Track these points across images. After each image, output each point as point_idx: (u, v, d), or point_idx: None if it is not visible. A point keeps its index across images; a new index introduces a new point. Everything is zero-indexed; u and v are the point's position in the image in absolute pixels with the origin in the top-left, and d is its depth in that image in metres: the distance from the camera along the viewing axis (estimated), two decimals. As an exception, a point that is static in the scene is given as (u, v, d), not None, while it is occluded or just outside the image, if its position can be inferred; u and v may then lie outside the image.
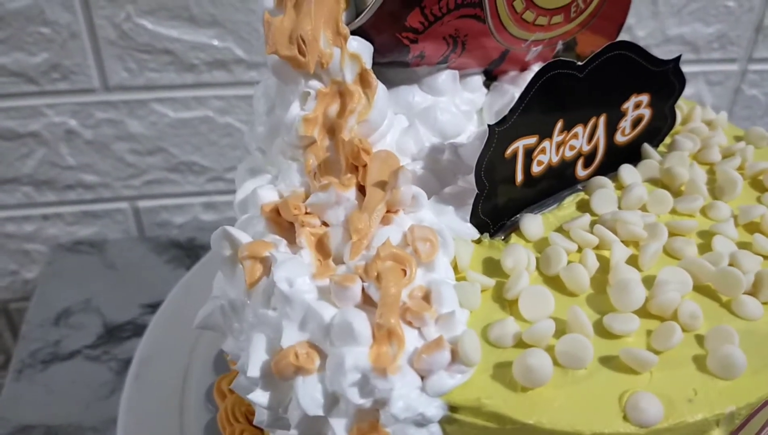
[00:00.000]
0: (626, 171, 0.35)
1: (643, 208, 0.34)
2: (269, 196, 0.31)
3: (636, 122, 0.35)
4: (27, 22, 0.57)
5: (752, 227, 0.33)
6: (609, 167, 0.36)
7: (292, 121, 0.31)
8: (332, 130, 0.31)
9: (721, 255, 0.30)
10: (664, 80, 0.35)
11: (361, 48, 0.30)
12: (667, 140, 0.38)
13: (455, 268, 0.30)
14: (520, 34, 0.34)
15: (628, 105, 0.34)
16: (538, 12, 0.33)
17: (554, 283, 0.30)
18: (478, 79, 0.37)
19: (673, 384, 0.26)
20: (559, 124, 0.32)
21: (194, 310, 0.50)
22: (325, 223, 0.30)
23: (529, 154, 0.32)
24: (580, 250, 0.31)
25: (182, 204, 0.68)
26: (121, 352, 0.54)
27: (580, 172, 0.35)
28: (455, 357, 0.26)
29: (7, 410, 0.50)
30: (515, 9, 0.32)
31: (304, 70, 0.30)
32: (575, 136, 0.33)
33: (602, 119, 0.34)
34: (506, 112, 0.30)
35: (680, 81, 0.36)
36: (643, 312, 0.28)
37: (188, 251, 0.64)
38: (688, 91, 0.69)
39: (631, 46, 0.33)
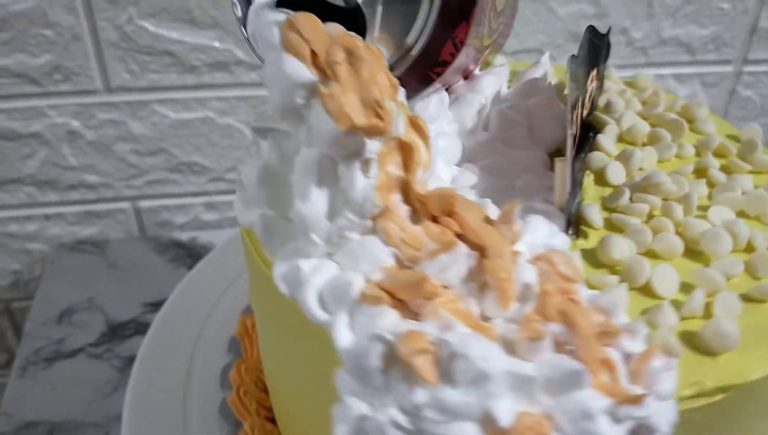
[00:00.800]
0: (605, 141, 0.36)
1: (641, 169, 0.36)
2: (357, 281, 0.27)
3: (591, 95, 0.36)
4: (30, 24, 0.58)
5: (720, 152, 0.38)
6: (580, 144, 0.36)
7: (362, 195, 0.27)
8: (401, 189, 0.28)
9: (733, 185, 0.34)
10: (605, 49, 0.38)
11: (402, 94, 0.29)
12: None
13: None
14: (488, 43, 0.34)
15: (588, 79, 0.35)
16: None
17: (649, 256, 0.31)
18: (445, 95, 0.35)
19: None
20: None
21: (196, 308, 0.51)
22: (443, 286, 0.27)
23: None
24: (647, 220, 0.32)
25: (183, 204, 0.69)
26: (124, 350, 0.55)
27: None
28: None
29: (11, 407, 0.51)
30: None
31: (380, 136, 0.27)
32: None
33: (579, 101, 0.34)
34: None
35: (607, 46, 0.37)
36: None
37: (189, 250, 0.64)
38: (683, 92, 0.70)
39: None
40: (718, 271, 0.29)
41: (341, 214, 0.27)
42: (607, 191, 0.34)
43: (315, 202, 0.27)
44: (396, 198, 0.28)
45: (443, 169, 0.32)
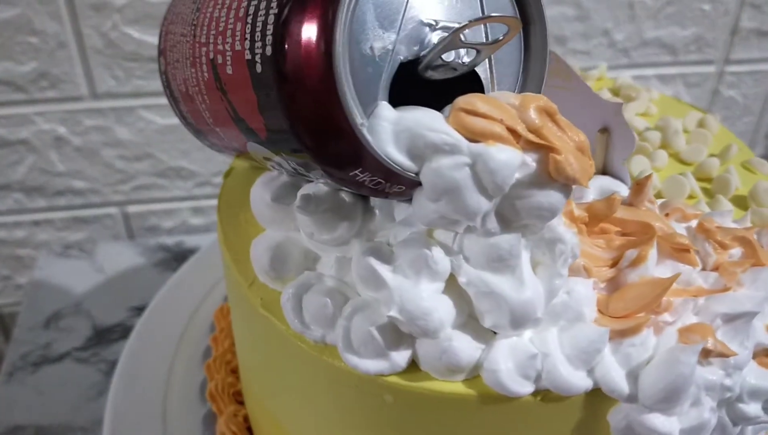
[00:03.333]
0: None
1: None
2: (593, 330, 0.27)
3: None
4: (15, 31, 0.58)
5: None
6: None
7: (572, 244, 0.27)
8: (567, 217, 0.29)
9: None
10: None
11: None
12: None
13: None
14: None
15: None
16: None
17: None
18: None
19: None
20: None
21: (179, 311, 0.52)
22: None
23: None
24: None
25: (171, 208, 0.69)
26: (110, 354, 0.55)
27: None
28: None
29: (-2, 411, 0.52)
30: None
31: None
32: None
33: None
34: None
35: None
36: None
37: (176, 254, 0.65)
38: (667, 92, 0.70)
39: None
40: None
41: (547, 277, 0.27)
42: None
43: (529, 283, 0.26)
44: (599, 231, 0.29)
45: None
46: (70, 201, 0.67)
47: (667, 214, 0.31)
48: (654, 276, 0.28)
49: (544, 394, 0.26)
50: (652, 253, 0.28)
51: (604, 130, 0.32)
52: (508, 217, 0.25)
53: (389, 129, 0.23)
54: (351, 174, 0.24)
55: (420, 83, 0.24)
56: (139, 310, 0.58)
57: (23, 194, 0.66)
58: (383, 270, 0.26)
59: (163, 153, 0.66)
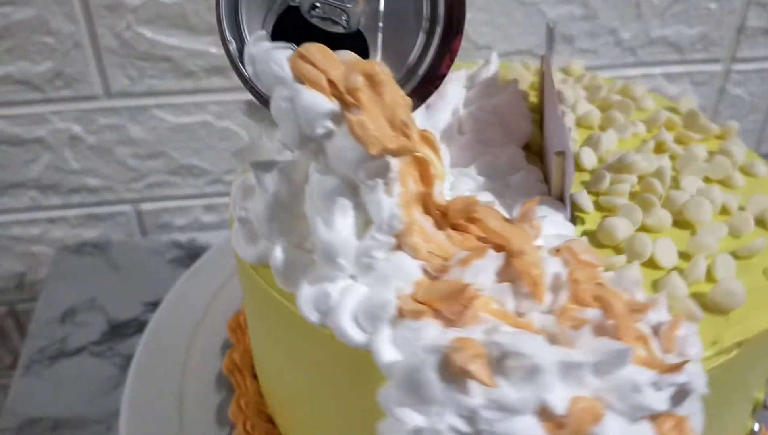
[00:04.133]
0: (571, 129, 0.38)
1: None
2: (392, 298, 0.27)
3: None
4: (31, 32, 0.59)
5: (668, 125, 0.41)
6: None
7: (389, 213, 0.28)
8: (421, 203, 0.29)
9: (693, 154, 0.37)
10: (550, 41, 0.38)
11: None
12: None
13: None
14: None
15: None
16: None
17: (644, 231, 0.33)
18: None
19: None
20: None
21: (193, 306, 0.52)
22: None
23: None
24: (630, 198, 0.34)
25: (183, 206, 0.70)
26: (125, 349, 0.56)
27: None
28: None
29: (15, 404, 0.53)
30: None
31: (407, 155, 0.28)
32: None
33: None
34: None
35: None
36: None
37: (189, 251, 0.66)
38: (674, 90, 0.71)
39: None
40: (708, 236, 0.31)
41: (368, 236, 0.28)
42: (585, 176, 0.35)
43: (340, 228, 0.28)
44: (417, 212, 0.29)
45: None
46: (85, 198, 0.69)
47: (558, 250, 0.29)
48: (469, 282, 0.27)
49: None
50: (481, 263, 0.27)
51: (560, 154, 0.31)
52: (329, 160, 0.28)
53: (253, 55, 0.29)
54: (245, 85, 0.30)
55: (319, 34, 0.30)
56: (153, 305, 0.59)
57: (38, 192, 0.67)
58: None
59: (175, 151, 0.67)
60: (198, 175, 0.69)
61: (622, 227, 0.31)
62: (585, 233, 0.33)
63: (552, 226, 0.31)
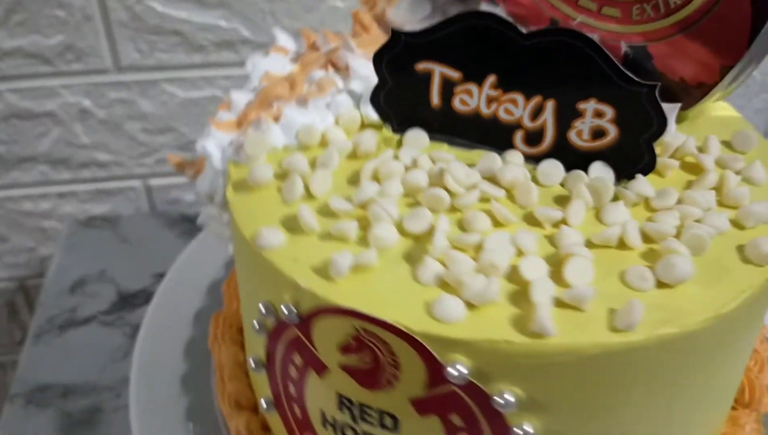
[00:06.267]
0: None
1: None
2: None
3: (597, 133, 0.33)
4: (43, 5, 0.60)
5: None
6: (565, 164, 0.34)
7: None
8: None
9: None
10: (634, 103, 0.31)
11: None
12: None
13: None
14: (561, 6, 0.35)
15: (587, 106, 0.32)
16: None
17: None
18: None
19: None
20: (491, 78, 0.33)
21: (198, 275, 0.53)
22: None
23: (449, 85, 0.34)
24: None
25: (192, 182, 0.70)
26: (135, 318, 0.56)
27: (520, 144, 0.34)
28: None
29: (26, 371, 0.53)
30: None
31: None
32: (512, 101, 0.33)
33: (550, 104, 0.33)
34: None
35: (659, 115, 0.31)
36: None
37: (198, 225, 0.66)
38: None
39: (592, 44, 0.31)
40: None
41: None
42: None
43: None
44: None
45: None
46: (94, 173, 0.69)
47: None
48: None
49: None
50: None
51: None
52: None
53: None
54: None
55: None
56: (163, 276, 0.59)
57: (49, 166, 0.68)
58: None
59: (185, 126, 0.67)
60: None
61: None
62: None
63: None
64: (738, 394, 0.39)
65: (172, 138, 0.68)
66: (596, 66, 0.31)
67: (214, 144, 0.36)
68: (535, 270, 0.28)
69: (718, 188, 0.33)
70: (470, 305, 0.27)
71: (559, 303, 0.27)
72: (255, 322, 0.32)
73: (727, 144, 0.37)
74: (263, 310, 0.30)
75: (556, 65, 0.32)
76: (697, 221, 0.31)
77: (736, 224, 0.31)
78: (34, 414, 0.50)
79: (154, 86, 0.65)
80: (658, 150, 0.33)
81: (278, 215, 0.31)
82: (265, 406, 0.35)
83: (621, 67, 0.31)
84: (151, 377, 0.46)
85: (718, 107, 0.40)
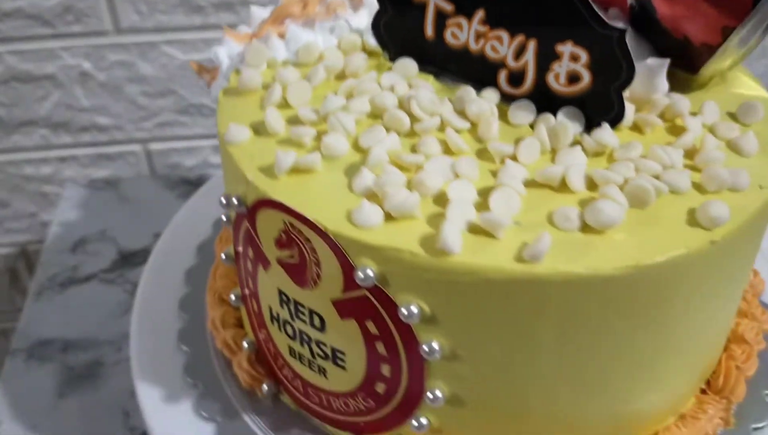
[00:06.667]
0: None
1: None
2: None
3: (572, 78, 0.32)
4: (42, -35, 0.60)
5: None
6: (539, 105, 0.34)
7: None
8: None
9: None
10: (606, 48, 0.31)
11: None
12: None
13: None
14: None
15: (564, 49, 0.32)
16: None
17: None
18: None
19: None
20: (480, 13, 0.34)
21: (195, 231, 0.52)
22: None
23: (442, 17, 0.35)
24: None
25: (192, 147, 0.70)
26: (135, 276, 0.57)
27: (504, 84, 0.35)
28: None
29: (27, 327, 0.53)
30: None
31: None
32: (498, 39, 0.34)
33: (532, 44, 0.33)
34: None
35: (628, 62, 0.31)
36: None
37: (198, 186, 0.66)
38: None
39: None
40: None
41: None
42: None
43: None
44: None
45: None
46: (95, 137, 0.69)
47: None
48: None
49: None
50: None
51: None
52: None
53: None
54: None
55: None
56: (163, 236, 0.60)
57: (49, 130, 0.68)
58: None
59: (184, 89, 0.67)
60: (207, 114, 0.69)
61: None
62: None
63: None
64: (712, 379, 0.38)
65: (172, 101, 0.68)
66: (575, 7, 0.31)
67: (225, 52, 0.38)
68: (461, 192, 0.29)
69: (693, 150, 0.32)
70: (390, 217, 0.28)
71: (476, 229, 0.27)
72: (223, 215, 0.35)
73: (732, 115, 0.36)
74: (223, 201, 0.32)
75: (539, 3, 0.32)
76: (656, 177, 0.30)
77: (699, 188, 0.31)
78: (35, 368, 0.51)
79: (154, 48, 0.65)
80: (645, 108, 0.33)
81: (252, 118, 0.34)
82: (233, 298, 0.38)
83: (596, 10, 0.31)
84: (150, 330, 0.46)
85: (744, 84, 0.38)
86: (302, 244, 0.29)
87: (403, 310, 0.28)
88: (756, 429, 0.38)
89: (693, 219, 0.29)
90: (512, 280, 0.26)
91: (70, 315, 0.54)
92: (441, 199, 0.29)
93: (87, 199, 0.66)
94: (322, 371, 0.33)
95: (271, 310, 0.34)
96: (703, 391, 0.38)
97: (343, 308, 0.30)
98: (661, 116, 0.34)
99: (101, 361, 0.51)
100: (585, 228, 0.28)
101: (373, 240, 0.27)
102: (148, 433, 0.38)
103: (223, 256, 0.37)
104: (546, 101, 0.33)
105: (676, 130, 0.34)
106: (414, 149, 0.31)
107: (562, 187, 0.30)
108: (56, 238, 0.61)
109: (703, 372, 0.38)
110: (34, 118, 0.67)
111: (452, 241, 0.26)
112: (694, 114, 0.35)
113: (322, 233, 0.28)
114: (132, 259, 0.59)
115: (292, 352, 0.34)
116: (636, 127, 0.34)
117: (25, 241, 0.74)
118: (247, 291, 0.36)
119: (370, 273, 0.27)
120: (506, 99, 0.34)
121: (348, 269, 0.28)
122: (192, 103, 0.68)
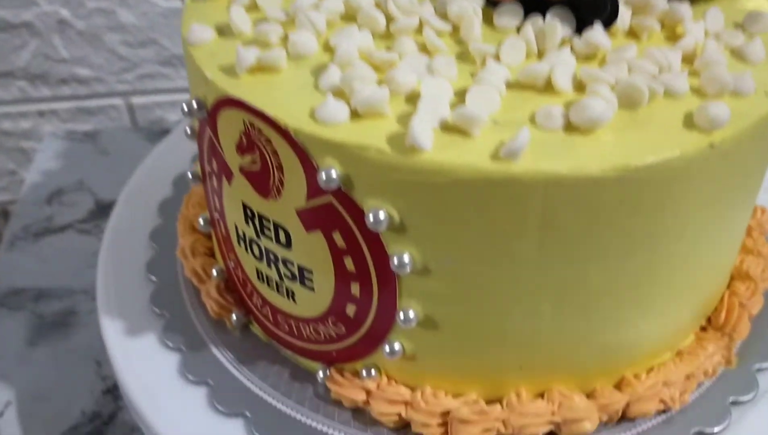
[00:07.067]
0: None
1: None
2: None
3: None
4: None
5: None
6: (527, 10, 0.31)
7: None
8: None
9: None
10: None
11: None
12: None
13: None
14: None
15: None
16: None
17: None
18: None
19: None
20: None
21: (171, 168, 0.50)
22: None
23: None
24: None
25: (176, 100, 0.68)
26: (112, 226, 0.55)
27: None
28: None
29: (-1, 276, 0.51)
30: None
31: None
32: None
33: None
34: None
35: None
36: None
37: (180, 137, 0.64)
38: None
39: None
40: None
41: None
42: None
43: None
44: None
45: None
46: (75, 90, 0.67)
47: None
48: None
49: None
50: None
51: None
52: None
53: None
54: None
55: None
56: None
57: (27, 82, 0.66)
58: None
59: (166, 39, 0.65)
60: (191, 66, 0.67)
61: None
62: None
63: None
64: (713, 315, 0.36)
65: (153, 52, 0.65)
66: None
67: None
68: (434, 88, 0.26)
69: (693, 55, 0.30)
70: (356, 114, 0.26)
71: (449, 127, 0.25)
72: (187, 127, 0.32)
73: (737, 25, 0.33)
74: (185, 108, 0.30)
75: None
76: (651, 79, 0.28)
77: (698, 91, 0.28)
78: (6, 316, 0.49)
79: (134, -5, 0.62)
80: (643, 12, 0.31)
81: (218, 20, 0.31)
82: (201, 223, 0.36)
83: None
84: (118, 261, 0.44)
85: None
86: (263, 146, 0.27)
87: (370, 217, 0.25)
88: (760, 370, 0.36)
89: (690, 121, 0.26)
90: (487, 181, 0.24)
91: (44, 264, 0.52)
92: (414, 98, 0.26)
93: (65, 150, 0.63)
94: (291, 295, 0.31)
95: (237, 229, 0.32)
96: (703, 329, 0.36)
97: (307, 218, 0.28)
98: (660, 22, 0.32)
99: (75, 310, 0.49)
100: (569, 127, 0.25)
101: (336, 137, 0.25)
102: (112, 364, 0.36)
103: (189, 173, 0.35)
104: (534, 4, 0.31)
105: (676, 38, 0.31)
106: (389, 49, 0.29)
107: (548, 88, 0.27)
108: (31, 188, 0.59)
109: (704, 306, 0.35)
110: (11, 70, 0.65)
111: (422, 137, 0.24)
112: (695, 21, 0.32)
113: (283, 131, 0.26)
114: (109, 210, 0.56)
115: (260, 275, 0.32)
116: (632, 33, 0.31)
117: (4, 200, 0.72)
118: (216, 215, 0.34)
119: (334, 174, 0.25)
120: (492, 4, 0.32)
121: (311, 172, 0.26)
122: (175, 53, 0.66)
